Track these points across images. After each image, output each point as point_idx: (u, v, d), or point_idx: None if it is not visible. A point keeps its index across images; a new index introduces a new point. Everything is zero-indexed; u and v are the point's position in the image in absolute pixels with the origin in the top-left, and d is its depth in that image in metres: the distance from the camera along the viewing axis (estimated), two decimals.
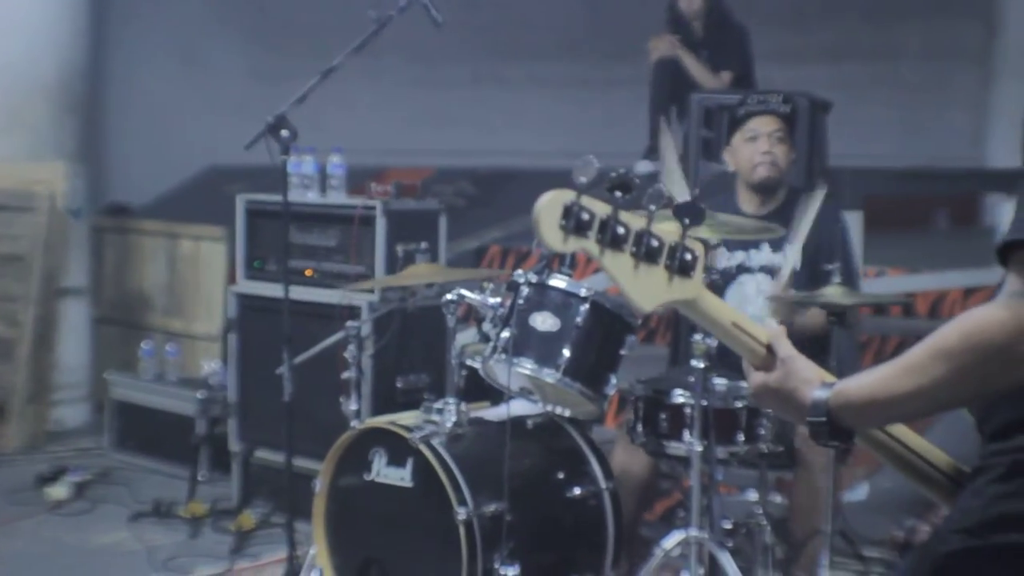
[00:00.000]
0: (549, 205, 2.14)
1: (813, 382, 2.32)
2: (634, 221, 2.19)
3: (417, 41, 9.94)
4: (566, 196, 2.15)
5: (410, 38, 8.06)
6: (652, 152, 9.27)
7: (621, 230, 2.17)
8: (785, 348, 2.37)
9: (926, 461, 2.41)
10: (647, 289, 2.21)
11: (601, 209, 2.17)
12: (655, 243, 2.20)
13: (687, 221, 2.30)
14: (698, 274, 2.24)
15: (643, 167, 9.25)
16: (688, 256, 2.23)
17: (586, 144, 10.39)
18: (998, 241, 2.13)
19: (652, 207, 2.22)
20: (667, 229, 2.23)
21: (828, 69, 11.99)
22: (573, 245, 2.16)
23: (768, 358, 2.38)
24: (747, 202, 5.62)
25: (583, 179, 2.18)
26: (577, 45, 12.71)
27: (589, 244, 2.17)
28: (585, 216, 2.15)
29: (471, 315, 5.30)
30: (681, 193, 5.21)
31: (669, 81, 8.96)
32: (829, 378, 2.34)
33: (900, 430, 2.38)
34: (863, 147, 10.90)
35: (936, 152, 11.13)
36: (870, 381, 2.24)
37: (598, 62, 12.33)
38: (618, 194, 2.20)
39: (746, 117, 5.59)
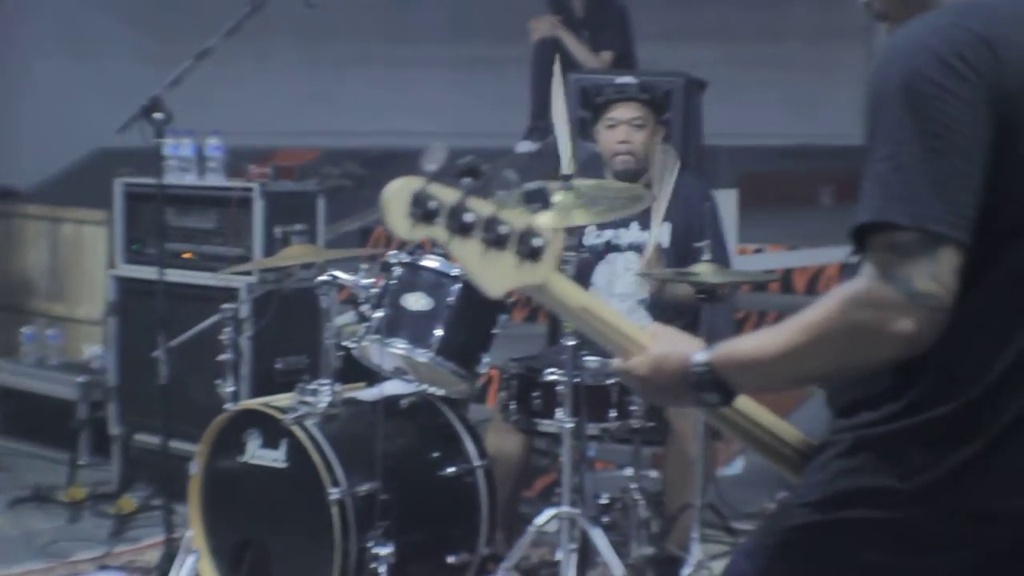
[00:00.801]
0: (397, 193, 2.14)
1: (695, 344, 2.38)
2: (483, 208, 2.19)
3: (305, 21, 9.95)
4: (414, 184, 2.15)
5: (298, 18, 8.06)
6: (534, 132, 9.33)
7: (470, 217, 2.18)
8: (659, 327, 2.44)
9: (776, 437, 2.47)
10: (496, 274, 2.22)
11: (450, 196, 2.17)
12: (504, 230, 2.20)
13: (537, 206, 2.30)
14: (547, 259, 2.25)
15: (524, 147, 9.32)
16: (537, 242, 2.23)
17: (475, 124, 10.43)
18: (852, 225, 2.20)
19: (500, 193, 2.23)
20: (517, 215, 2.24)
21: (715, 48, 12.06)
22: (421, 232, 2.16)
23: (627, 346, 2.41)
24: (617, 178, 5.69)
25: (432, 166, 2.17)
26: (466, 25, 12.71)
27: (437, 231, 2.17)
28: (433, 204, 2.15)
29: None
30: (567, 163, 5.28)
31: (550, 61, 8.97)
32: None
33: (751, 407, 2.45)
34: (750, 126, 11.02)
35: (821, 130, 11.25)
36: (749, 341, 2.32)
37: (487, 42, 12.34)
38: (467, 180, 2.20)
39: (606, 105, 5.69)
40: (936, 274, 2.11)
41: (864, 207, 2.17)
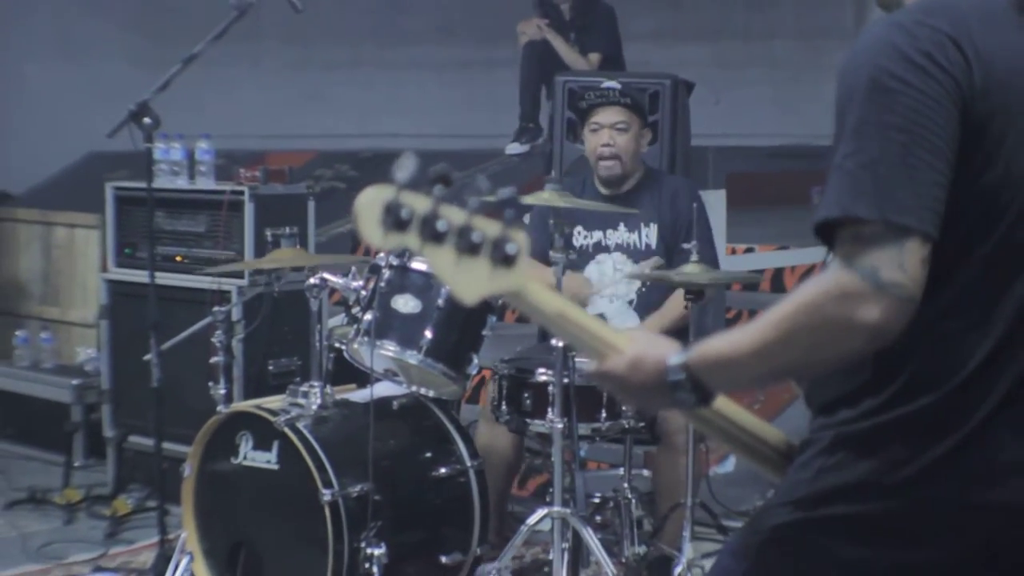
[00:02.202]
0: (369, 202, 2.13)
1: (672, 347, 2.38)
2: (455, 215, 2.17)
3: (296, 25, 9.97)
4: (386, 193, 2.13)
5: (289, 22, 8.09)
6: (523, 134, 9.37)
7: (442, 225, 2.15)
8: (635, 329, 2.44)
9: (758, 438, 2.49)
10: (469, 281, 2.20)
11: (422, 205, 2.15)
12: (477, 237, 2.18)
13: (510, 214, 2.29)
14: (521, 266, 2.22)
15: (514, 149, 9.36)
16: (511, 248, 2.20)
17: (465, 126, 10.46)
18: (816, 220, 2.22)
19: (472, 200, 2.21)
20: (490, 222, 2.21)
21: (705, 49, 12.12)
22: (394, 241, 2.15)
23: (604, 351, 2.40)
24: (602, 184, 5.75)
25: (403, 175, 2.14)
26: (456, 27, 12.76)
27: (410, 239, 2.15)
28: (405, 213, 2.13)
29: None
30: None
31: (538, 63, 9.07)
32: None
33: (732, 409, 2.45)
34: (740, 126, 11.06)
35: (811, 129, 11.27)
36: (722, 340, 2.32)
37: (477, 44, 12.39)
38: (439, 188, 2.17)
39: (589, 109, 5.74)
40: (902, 264, 2.13)
41: (828, 202, 2.19)
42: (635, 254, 5.67)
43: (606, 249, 5.71)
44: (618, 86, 5.83)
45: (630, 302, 5.64)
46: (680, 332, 5.34)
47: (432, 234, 2.16)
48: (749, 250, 8.53)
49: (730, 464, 6.66)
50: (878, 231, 2.14)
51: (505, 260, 2.20)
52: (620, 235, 5.69)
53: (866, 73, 2.21)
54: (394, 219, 2.14)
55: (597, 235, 5.71)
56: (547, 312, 2.35)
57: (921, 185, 2.15)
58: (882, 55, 2.22)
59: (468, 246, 2.17)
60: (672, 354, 2.35)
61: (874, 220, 2.14)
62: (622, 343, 2.40)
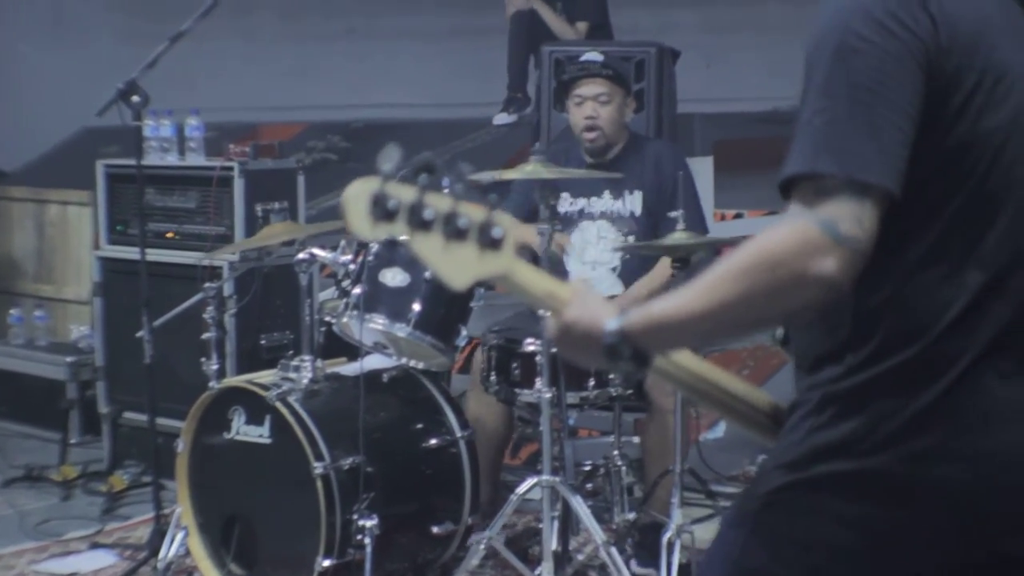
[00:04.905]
0: (356, 195, 2.17)
1: (609, 310, 2.35)
2: (441, 203, 2.21)
3: None
4: (372, 185, 2.17)
5: None
6: (511, 104, 9.38)
7: (429, 213, 2.19)
8: (581, 284, 2.44)
9: (747, 404, 2.49)
10: (458, 266, 2.22)
11: (408, 194, 2.19)
12: (463, 223, 2.21)
13: (493, 198, 2.33)
14: (508, 248, 2.25)
15: (502, 119, 9.37)
16: (497, 232, 2.23)
17: (456, 95, 10.43)
18: (781, 177, 2.23)
19: (457, 186, 2.23)
20: (476, 208, 2.24)
21: (694, 13, 12.10)
22: (383, 232, 2.18)
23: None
24: (587, 154, 5.78)
25: (387, 167, 2.18)
26: None
27: (398, 229, 2.19)
28: (392, 203, 2.17)
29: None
30: None
31: (526, 34, 9.05)
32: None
33: (719, 375, 2.46)
34: (730, 90, 11.06)
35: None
36: (664, 303, 2.28)
37: (468, 12, 12.34)
38: (424, 177, 2.21)
39: (572, 82, 5.76)
40: (861, 219, 2.15)
41: (794, 159, 2.21)
42: (619, 221, 5.70)
43: (590, 216, 5.75)
44: (600, 58, 5.85)
45: (613, 269, 5.68)
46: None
47: (419, 222, 2.20)
48: (738, 216, 8.56)
49: (720, 430, 6.71)
50: (840, 186, 2.16)
51: (492, 243, 2.23)
52: (604, 203, 5.73)
53: (835, 34, 2.23)
54: (381, 210, 2.18)
55: (582, 202, 5.75)
56: (535, 293, 2.36)
57: (885, 143, 2.18)
58: (851, 16, 2.24)
59: (455, 232, 2.21)
60: (608, 319, 2.32)
61: (836, 175, 2.17)
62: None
